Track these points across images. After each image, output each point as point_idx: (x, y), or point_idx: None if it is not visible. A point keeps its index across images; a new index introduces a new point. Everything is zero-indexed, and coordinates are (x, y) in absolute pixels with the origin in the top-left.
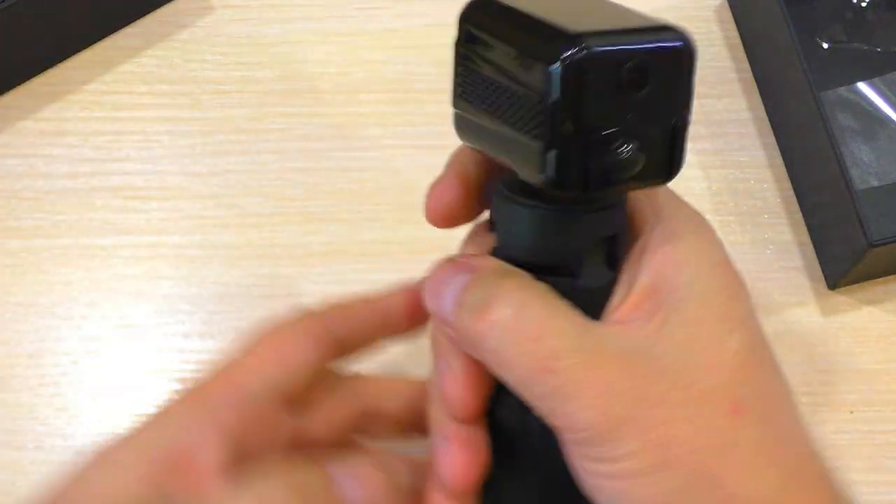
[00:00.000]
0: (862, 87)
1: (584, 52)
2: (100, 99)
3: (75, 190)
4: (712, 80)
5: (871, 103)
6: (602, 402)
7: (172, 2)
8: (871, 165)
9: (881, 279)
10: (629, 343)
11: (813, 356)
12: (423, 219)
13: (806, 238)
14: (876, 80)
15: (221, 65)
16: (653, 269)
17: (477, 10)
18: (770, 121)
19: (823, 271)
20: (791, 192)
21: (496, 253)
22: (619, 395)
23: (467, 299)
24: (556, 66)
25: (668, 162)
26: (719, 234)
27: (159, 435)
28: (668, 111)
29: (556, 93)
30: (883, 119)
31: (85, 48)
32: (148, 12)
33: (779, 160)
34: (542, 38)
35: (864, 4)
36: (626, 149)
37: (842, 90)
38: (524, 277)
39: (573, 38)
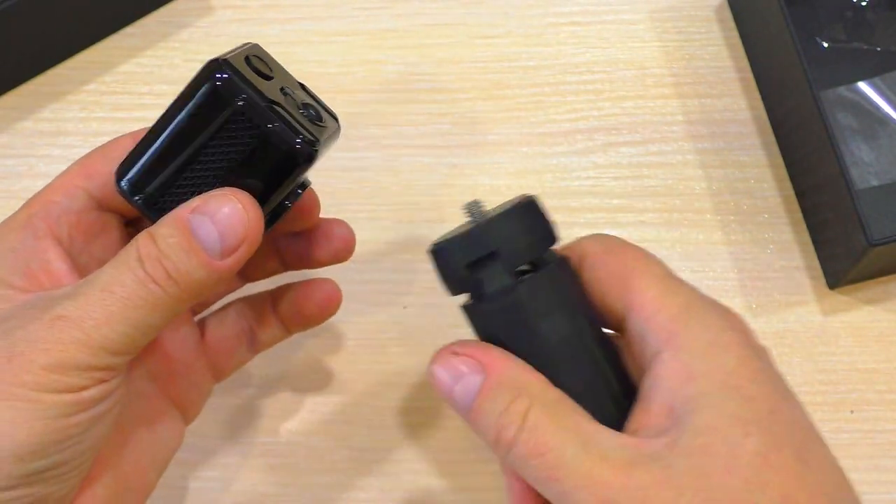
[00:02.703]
0: (862, 86)
1: (220, 65)
2: (100, 99)
3: None
4: (712, 80)
5: (871, 103)
6: None
7: (172, 2)
8: (871, 165)
9: (881, 279)
10: (639, 453)
11: (813, 356)
12: (423, 219)
13: (806, 238)
14: (876, 79)
15: None
16: (665, 388)
17: None
18: (770, 120)
19: (823, 271)
20: (791, 192)
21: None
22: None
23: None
24: (209, 85)
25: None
26: (719, 233)
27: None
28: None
29: (235, 94)
30: (883, 119)
31: (85, 48)
32: (148, 12)
33: (779, 160)
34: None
35: (864, 4)
36: (310, 110)
37: (842, 90)
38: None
39: (214, 66)
